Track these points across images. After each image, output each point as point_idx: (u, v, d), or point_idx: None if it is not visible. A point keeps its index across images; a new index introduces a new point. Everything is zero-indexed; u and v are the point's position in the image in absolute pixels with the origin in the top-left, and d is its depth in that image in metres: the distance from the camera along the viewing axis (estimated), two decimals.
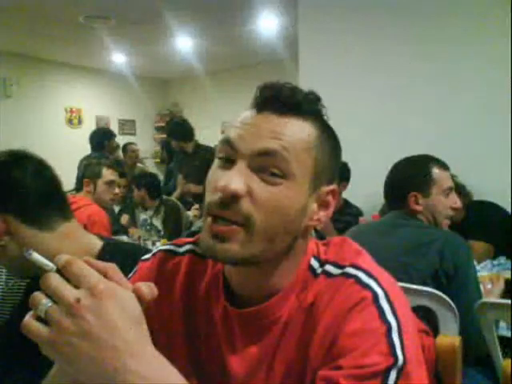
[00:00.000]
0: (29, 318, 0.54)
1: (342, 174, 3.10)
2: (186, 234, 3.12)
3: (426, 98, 3.30)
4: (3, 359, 1.14)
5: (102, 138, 4.88)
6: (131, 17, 4.87)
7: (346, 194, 3.30)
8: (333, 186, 0.76)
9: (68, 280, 0.54)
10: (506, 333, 1.72)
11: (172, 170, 5.24)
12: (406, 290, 1.35)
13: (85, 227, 1.29)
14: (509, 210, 2.80)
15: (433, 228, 1.78)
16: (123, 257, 1.01)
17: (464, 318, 1.52)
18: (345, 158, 0.85)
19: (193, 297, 0.81)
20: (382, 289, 0.69)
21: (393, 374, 0.63)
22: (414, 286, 1.54)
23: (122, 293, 0.55)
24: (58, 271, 0.55)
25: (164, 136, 6.76)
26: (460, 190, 2.72)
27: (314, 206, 0.74)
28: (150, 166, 7.67)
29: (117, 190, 3.05)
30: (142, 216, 4.08)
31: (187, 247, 0.85)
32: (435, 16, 3.26)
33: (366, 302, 0.68)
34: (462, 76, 3.18)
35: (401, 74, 3.41)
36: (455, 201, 1.81)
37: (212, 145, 4.46)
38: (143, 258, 0.88)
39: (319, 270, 0.75)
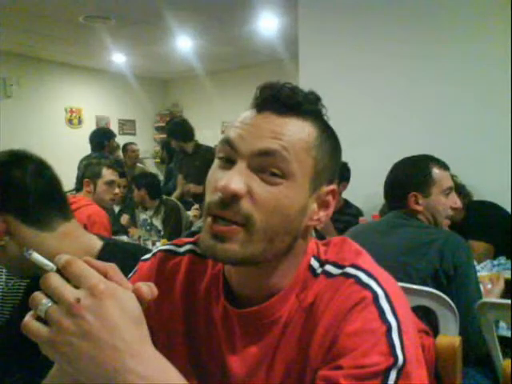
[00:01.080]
0: (29, 318, 0.54)
1: (342, 174, 3.10)
2: (186, 234, 3.12)
3: (426, 98, 3.30)
4: (3, 359, 1.14)
5: (101, 138, 4.88)
6: (131, 17, 4.87)
7: (345, 194, 3.31)
8: (333, 186, 0.76)
9: (68, 280, 0.55)
10: (506, 333, 1.73)
11: (172, 170, 5.24)
12: (406, 290, 1.35)
13: (85, 227, 1.29)
14: (509, 210, 2.80)
15: (433, 228, 1.78)
16: (123, 257, 1.01)
17: (464, 318, 1.52)
18: (345, 158, 0.85)
19: (193, 297, 0.81)
20: (382, 289, 0.69)
21: (393, 374, 0.63)
22: (414, 286, 1.54)
23: (122, 293, 0.55)
24: (58, 271, 0.55)
25: (164, 136, 6.77)
26: (460, 190, 2.72)
27: (314, 206, 0.74)
28: (150, 166, 7.68)
29: (117, 190, 3.05)
30: (142, 216, 4.08)
31: (187, 247, 0.85)
32: (435, 16, 3.26)
33: (366, 301, 0.68)
34: (462, 76, 3.18)
35: (401, 74, 3.41)
36: (455, 201, 1.81)
37: (212, 145, 4.46)
38: (143, 258, 0.88)
39: (319, 270, 0.75)
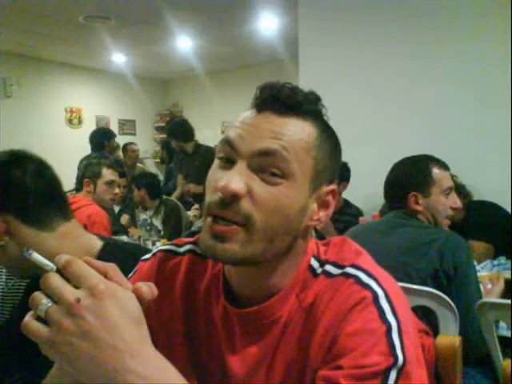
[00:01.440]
0: (29, 318, 0.54)
1: (342, 174, 3.10)
2: (186, 234, 3.12)
3: (426, 97, 3.30)
4: (3, 359, 1.14)
5: (101, 138, 4.89)
6: (131, 17, 4.87)
7: (345, 194, 3.31)
8: (333, 186, 0.76)
9: (68, 280, 0.55)
10: (506, 333, 1.73)
11: (172, 169, 5.24)
12: (406, 290, 1.35)
13: (85, 227, 1.29)
14: (509, 210, 2.81)
15: (433, 228, 1.78)
16: (123, 257, 1.01)
17: (464, 318, 1.52)
18: (345, 158, 0.85)
19: (193, 297, 0.81)
20: (382, 289, 0.69)
21: (393, 374, 0.63)
22: (414, 286, 1.54)
23: (122, 293, 0.55)
24: (58, 271, 0.55)
25: (164, 136, 6.77)
26: (460, 190, 2.73)
27: (314, 205, 0.74)
28: (150, 166, 7.68)
29: (117, 190, 3.05)
30: (142, 216, 4.08)
31: (187, 247, 0.85)
32: (435, 16, 3.26)
33: (366, 301, 0.68)
34: (462, 76, 3.18)
35: (401, 74, 3.41)
36: (455, 201, 1.81)
37: (212, 145, 4.46)
38: (143, 258, 0.88)
39: (319, 270, 0.75)
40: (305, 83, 0.77)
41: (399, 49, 3.38)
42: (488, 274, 2.07)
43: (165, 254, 0.85)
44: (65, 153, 5.74)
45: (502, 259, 2.49)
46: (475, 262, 1.84)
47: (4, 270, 1.45)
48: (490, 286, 1.89)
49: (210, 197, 0.70)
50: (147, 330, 0.56)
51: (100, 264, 0.58)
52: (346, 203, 3.33)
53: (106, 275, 0.57)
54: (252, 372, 0.74)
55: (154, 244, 3.33)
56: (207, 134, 6.15)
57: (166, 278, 0.83)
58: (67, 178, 1.45)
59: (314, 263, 0.76)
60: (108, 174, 2.98)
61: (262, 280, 0.74)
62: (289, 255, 0.74)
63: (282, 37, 5.27)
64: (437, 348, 1.13)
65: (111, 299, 0.54)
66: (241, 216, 0.68)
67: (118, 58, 6.60)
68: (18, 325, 0.54)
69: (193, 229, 3.05)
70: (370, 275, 0.71)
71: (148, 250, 1.03)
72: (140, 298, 0.57)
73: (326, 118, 0.77)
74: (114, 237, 2.85)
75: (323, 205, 0.75)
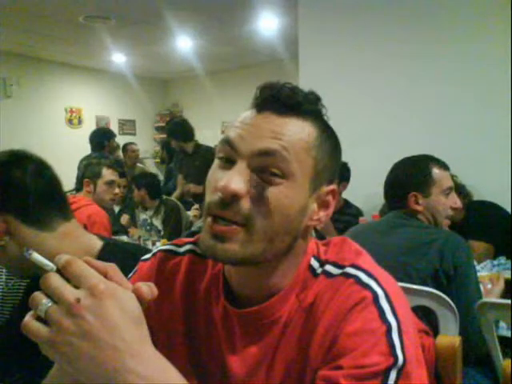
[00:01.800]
0: (29, 318, 0.54)
1: (342, 174, 3.10)
2: (186, 234, 3.12)
3: (426, 97, 3.30)
4: (3, 359, 1.14)
5: (101, 138, 4.89)
6: (131, 17, 4.87)
7: (345, 194, 3.31)
8: (333, 186, 0.76)
9: (68, 280, 0.55)
10: (506, 333, 1.73)
11: (172, 169, 5.24)
12: (406, 290, 1.35)
13: (85, 227, 1.29)
14: (509, 210, 2.81)
15: (433, 228, 1.78)
16: (123, 257, 1.01)
17: (464, 318, 1.52)
18: (345, 158, 0.85)
19: (193, 297, 0.81)
20: (382, 289, 0.69)
21: (393, 374, 0.63)
22: (414, 286, 1.54)
23: (122, 293, 0.55)
24: (58, 271, 0.55)
25: (164, 136, 6.77)
26: (460, 190, 2.73)
27: (314, 205, 0.74)
28: (150, 166, 7.68)
29: (117, 190, 3.05)
30: (142, 216, 4.08)
31: (187, 247, 0.85)
32: (435, 16, 3.26)
33: (366, 301, 0.68)
34: (462, 76, 3.18)
35: (401, 74, 3.41)
36: (455, 201, 1.81)
37: (212, 145, 4.46)
38: (143, 258, 0.88)
39: (319, 270, 0.75)
40: (305, 83, 0.77)
41: (399, 49, 3.38)
42: (488, 274, 2.07)
43: (165, 254, 0.85)
44: (65, 153, 5.74)
45: (502, 259, 2.49)
46: (475, 262, 1.84)
47: (4, 270, 1.45)
48: (489, 286, 1.89)
49: (210, 197, 0.70)
50: (147, 330, 0.56)
51: (100, 264, 0.58)
52: (346, 203, 3.33)
53: (106, 275, 0.57)
54: (252, 372, 0.74)
55: (153, 244, 3.33)
56: (207, 134, 6.15)
57: (165, 278, 0.83)
58: (67, 178, 1.45)
59: (314, 263, 0.76)
60: (108, 174, 2.98)
61: (262, 280, 0.74)
62: (289, 255, 0.74)
63: (282, 37, 5.27)
64: (437, 348, 1.13)
65: (111, 299, 0.54)
66: (241, 216, 0.68)
67: (118, 58, 6.60)
68: (18, 325, 0.54)
69: (193, 229, 3.05)
70: (370, 275, 0.71)
71: (148, 250, 1.03)
72: (140, 298, 0.57)
73: (326, 118, 0.77)
74: (113, 237, 2.85)
75: (323, 205, 0.75)
